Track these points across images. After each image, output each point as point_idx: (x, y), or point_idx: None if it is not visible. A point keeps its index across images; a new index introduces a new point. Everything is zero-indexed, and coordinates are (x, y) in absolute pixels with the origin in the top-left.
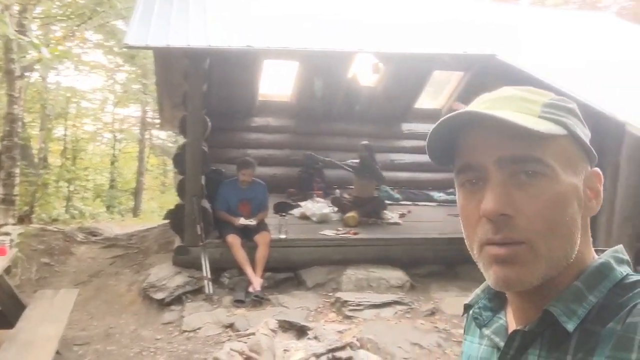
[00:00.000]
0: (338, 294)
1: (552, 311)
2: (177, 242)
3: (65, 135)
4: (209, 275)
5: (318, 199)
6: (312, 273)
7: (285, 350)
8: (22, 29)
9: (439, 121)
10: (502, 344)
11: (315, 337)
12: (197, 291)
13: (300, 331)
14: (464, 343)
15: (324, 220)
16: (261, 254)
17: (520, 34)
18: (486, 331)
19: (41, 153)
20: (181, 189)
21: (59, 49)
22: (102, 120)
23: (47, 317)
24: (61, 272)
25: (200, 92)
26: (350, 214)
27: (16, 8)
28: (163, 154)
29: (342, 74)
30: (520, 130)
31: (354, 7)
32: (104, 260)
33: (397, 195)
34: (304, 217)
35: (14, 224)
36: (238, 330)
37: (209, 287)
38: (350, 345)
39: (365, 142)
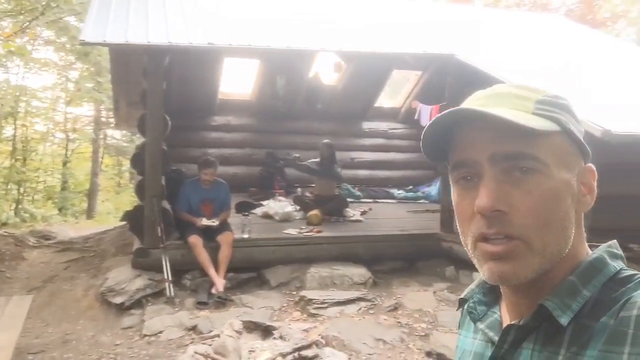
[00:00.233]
0: (302, 293)
1: (546, 305)
2: (137, 244)
3: (14, 135)
4: (170, 278)
5: (280, 197)
6: (276, 272)
7: (250, 351)
8: None
9: (434, 118)
10: (496, 338)
11: (281, 337)
12: (158, 294)
13: (266, 331)
14: (458, 337)
15: (286, 219)
16: (224, 254)
17: (477, 34)
18: (480, 325)
19: None
20: (140, 190)
21: (12, 44)
22: (53, 119)
23: None
24: (13, 278)
25: (160, 90)
26: (313, 212)
27: None
28: (118, 154)
29: (303, 73)
30: (514, 127)
31: (316, 7)
32: (58, 265)
33: (358, 193)
34: (267, 216)
35: None
36: (201, 333)
37: (170, 290)
38: (316, 343)
39: (326, 140)
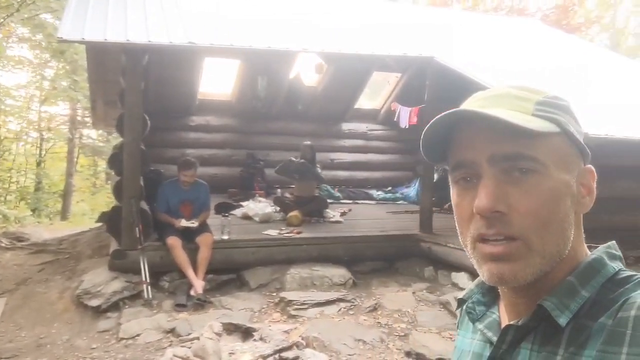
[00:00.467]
0: (282, 294)
1: (545, 306)
2: (114, 245)
3: None
4: (148, 280)
5: (260, 198)
6: (256, 273)
7: (231, 353)
8: None
9: (434, 120)
10: (494, 338)
11: (261, 339)
12: (136, 296)
13: (246, 333)
14: (456, 338)
15: (266, 220)
16: (203, 255)
17: (456, 37)
18: (479, 325)
19: None
20: (118, 191)
21: None
22: (27, 118)
23: None
24: None
25: (138, 90)
26: (293, 213)
27: None
28: (94, 154)
29: (284, 74)
30: (513, 128)
31: (297, 9)
32: (32, 267)
33: (338, 194)
34: (246, 217)
35: None
36: (180, 335)
37: (148, 292)
38: (296, 344)
39: (307, 142)
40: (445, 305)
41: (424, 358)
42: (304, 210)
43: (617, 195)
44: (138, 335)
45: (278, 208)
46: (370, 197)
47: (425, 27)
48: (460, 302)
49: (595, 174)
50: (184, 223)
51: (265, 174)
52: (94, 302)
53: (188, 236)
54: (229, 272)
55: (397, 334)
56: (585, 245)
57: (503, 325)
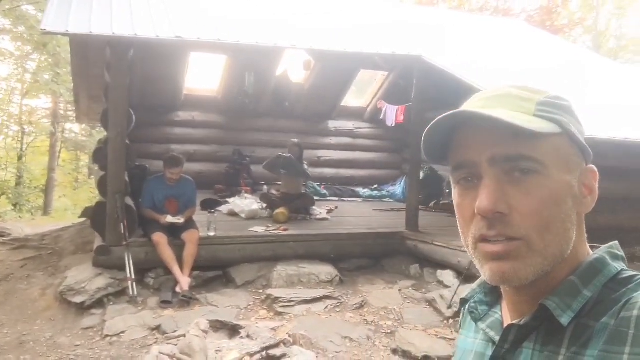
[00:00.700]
0: (269, 291)
1: (547, 305)
2: (98, 241)
3: None
4: (133, 276)
5: (246, 195)
6: (242, 270)
7: (217, 350)
8: None
9: (435, 120)
10: (497, 338)
11: (248, 336)
12: (120, 293)
13: (233, 330)
14: (458, 337)
15: (253, 217)
16: (189, 252)
17: (443, 36)
18: (481, 325)
19: None
20: (103, 186)
21: None
22: (8, 111)
23: None
24: None
25: (123, 84)
26: (280, 210)
27: None
28: (76, 149)
29: (272, 70)
30: (514, 129)
31: (284, 7)
32: (14, 263)
33: (324, 192)
34: (233, 213)
35: None
36: (166, 333)
37: (133, 289)
38: (283, 342)
39: (295, 140)
40: (431, 302)
41: (411, 355)
42: (291, 208)
43: (599, 195)
44: (123, 332)
45: (265, 205)
46: (357, 195)
47: (412, 27)
48: (463, 301)
49: (597, 174)
50: (169, 219)
51: (251, 170)
52: (78, 299)
53: (174, 232)
54: (215, 269)
55: (383, 331)
56: (588, 245)
57: (505, 325)
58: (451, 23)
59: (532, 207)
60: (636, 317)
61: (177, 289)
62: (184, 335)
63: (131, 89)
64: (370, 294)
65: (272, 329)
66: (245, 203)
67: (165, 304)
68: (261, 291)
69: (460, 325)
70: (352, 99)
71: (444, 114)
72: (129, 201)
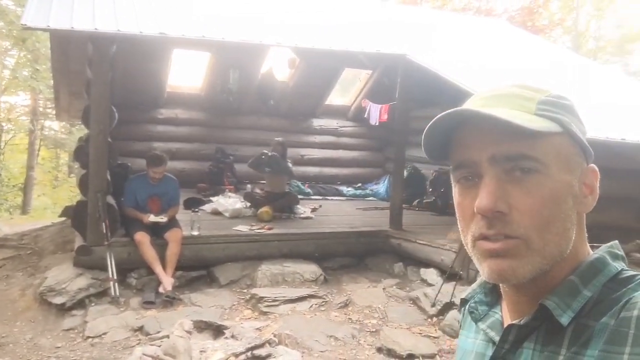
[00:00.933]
0: (253, 290)
1: (547, 305)
2: (79, 241)
3: None
4: (115, 276)
5: (230, 194)
6: (226, 270)
7: (202, 351)
8: None
9: (435, 119)
10: (497, 338)
11: (233, 336)
12: (102, 294)
13: (217, 331)
14: (459, 337)
15: (236, 216)
16: (172, 251)
17: (428, 35)
18: (482, 325)
19: None
20: (84, 184)
21: None
22: None
23: None
24: None
25: (106, 81)
26: (264, 209)
27: None
28: (56, 146)
29: (256, 68)
30: (514, 128)
31: (268, 6)
32: None
33: (308, 190)
34: (216, 212)
35: None
36: (149, 334)
37: (115, 289)
38: (269, 342)
39: (279, 138)
40: (414, 301)
41: (395, 354)
42: (275, 206)
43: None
44: (105, 333)
45: (248, 204)
46: (340, 194)
47: (397, 25)
48: (463, 302)
49: (599, 173)
50: (152, 218)
51: (235, 169)
52: (58, 300)
53: (156, 232)
54: (199, 269)
55: (368, 329)
56: (588, 245)
57: (505, 325)
58: (435, 22)
59: (532, 206)
60: (636, 317)
61: (160, 289)
62: (168, 336)
63: (113, 85)
64: (354, 293)
65: (257, 328)
66: (229, 202)
67: (148, 304)
68: (245, 291)
69: (460, 325)
70: (337, 98)
71: (444, 113)
72: (111, 200)
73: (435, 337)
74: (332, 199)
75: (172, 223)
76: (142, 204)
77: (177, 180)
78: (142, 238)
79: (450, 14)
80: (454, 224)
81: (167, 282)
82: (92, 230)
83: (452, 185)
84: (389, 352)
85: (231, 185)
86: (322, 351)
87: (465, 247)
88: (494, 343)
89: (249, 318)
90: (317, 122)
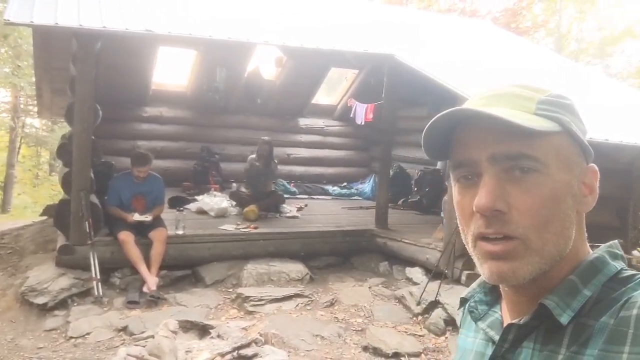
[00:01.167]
0: (239, 290)
1: (546, 304)
2: (61, 240)
3: None
4: (98, 276)
5: (215, 192)
6: (211, 269)
7: (187, 351)
8: None
9: (435, 118)
10: (497, 337)
11: (219, 336)
12: (85, 293)
13: (203, 330)
14: (459, 337)
15: (222, 215)
16: (156, 251)
17: (414, 36)
18: (481, 325)
19: None
20: (67, 183)
21: None
22: None
23: None
24: None
25: (90, 78)
26: (250, 208)
27: None
28: (37, 144)
29: (243, 66)
30: (514, 127)
31: (256, 6)
32: None
33: (294, 189)
34: (202, 211)
35: None
36: (133, 334)
37: (98, 289)
38: (255, 341)
39: (265, 138)
40: (400, 299)
41: (381, 352)
42: (261, 205)
43: None
44: (88, 333)
45: (234, 202)
46: (326, 193)
47: (384, 25)
48: (463, 301)
49: (598, 173)
50: (136, 217)
51: (220, 167)
52: (40, 300)
53: (141, 231)
54: (184, 268)
55: (354, 328)
56: (588, 244)
57: (505, 324)
58: (421, 23)
59: (531, 206)
60: (636, 317)
61: (145, 289)
62: (153, 336)
63: (97, 82)
64: (340, 292)
65: (243, 328)
66: (215, 201)
67: (132, 304)
68: (231, 290)
69: (460, 325)
70: (323, 97)
71: (444, 112)
72: (95, 199)
73: (420, 336)
74: (318, 198)
75: (157, 222)
76: (126, 202)
77: (161, 179)
78: (126, 237)
79: (436, 14)
80: (439, 223)
81: (152, 281)
82: (75, 230)
83: (452, 184)
84: (375, 350)
85: (217, 184)
86: (308, 350)
87: (466, 246)
88: (493, 342)
89: (235, 317)
90: (304, 122)
